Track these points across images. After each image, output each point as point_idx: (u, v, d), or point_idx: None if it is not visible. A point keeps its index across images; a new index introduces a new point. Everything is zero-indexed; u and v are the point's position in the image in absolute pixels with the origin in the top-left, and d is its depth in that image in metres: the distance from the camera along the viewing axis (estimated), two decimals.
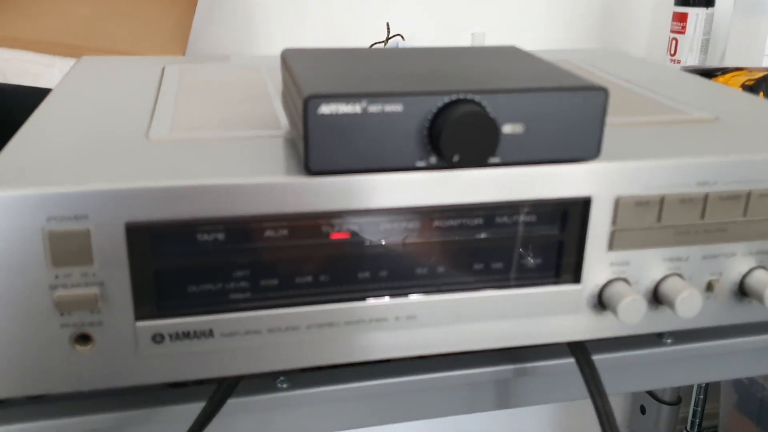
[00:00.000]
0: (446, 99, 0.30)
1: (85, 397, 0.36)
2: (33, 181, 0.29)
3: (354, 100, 0.30)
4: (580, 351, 0.38)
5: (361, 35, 0.94)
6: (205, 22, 0.93)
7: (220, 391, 0.35)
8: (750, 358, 0.46)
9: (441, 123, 0.30)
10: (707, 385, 1.25)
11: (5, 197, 0.28)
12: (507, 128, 0.32)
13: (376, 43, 0.89)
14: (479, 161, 0.31)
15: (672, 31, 0.96)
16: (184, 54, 0.81)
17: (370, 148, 0.31)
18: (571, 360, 0.41)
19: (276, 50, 0.96)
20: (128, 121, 0.38)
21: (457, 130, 0.30)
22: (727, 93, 0.48)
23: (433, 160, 0.31)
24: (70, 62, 0.77)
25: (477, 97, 0.31)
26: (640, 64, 0.57)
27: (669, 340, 0.43)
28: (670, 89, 0.49)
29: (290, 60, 0.36)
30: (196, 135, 0.36)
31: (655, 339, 0.43)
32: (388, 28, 0.88)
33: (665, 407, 1.22)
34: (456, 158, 0.30)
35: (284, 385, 0.39)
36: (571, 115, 0.32)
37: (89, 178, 0.30)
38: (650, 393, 1.22)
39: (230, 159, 0.33)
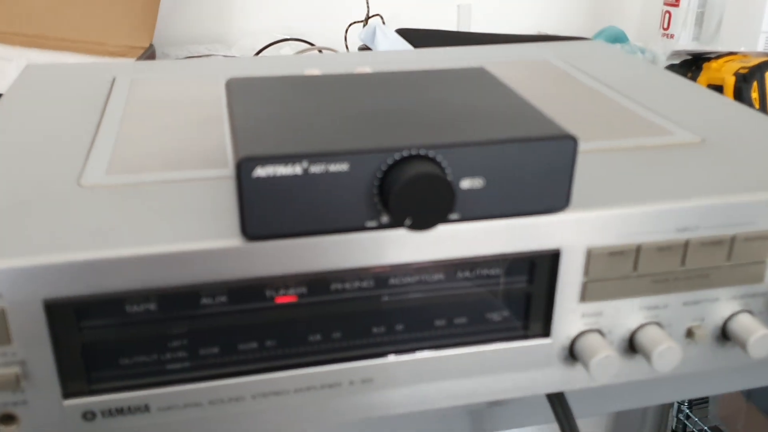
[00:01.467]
0: (396, 156, 0.27)
1: None
2: None
3: (294, 161, 0.27)
4: (557, 399, 0.36)
5: (341, 14, 0.90)
6: (177, 1, 0.89)
7: None
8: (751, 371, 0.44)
9: (391, 183, 0.27)
10: None
11: None
12: (465, 183, 0.29)
13: (354, 23, 0.84)
14: (433, 225, 0.28)
15: (665, 4, 0.92)
16: (151, 40, 0.77)
17: (314, 210, 0.28)
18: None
19: (252, 29, 0.92)
20: (62, 160, 0.35)
21: (409, 192, 0.27)
22: (716, 103, 0.45)
23: (384, 220, 0.29)
24: (29, 53, 0.73)
25: (431, 152, 0.28)
26: (624, 62, 0.53)
27: None
28: (653, 97, 0.45)
29: (233, 96, 0.32)
30: (133, 179, 0.33)
31: None
32: (368, 7, 0.84)
33: None
34: (408, 222, 0.28)
35: None
36: (537, 166, 0.29)
37: (2, 250, 0.27)
38: None
39: (167, 214, 0.30)
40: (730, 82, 0.64)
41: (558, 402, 0.36)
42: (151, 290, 0.28)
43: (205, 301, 0.29)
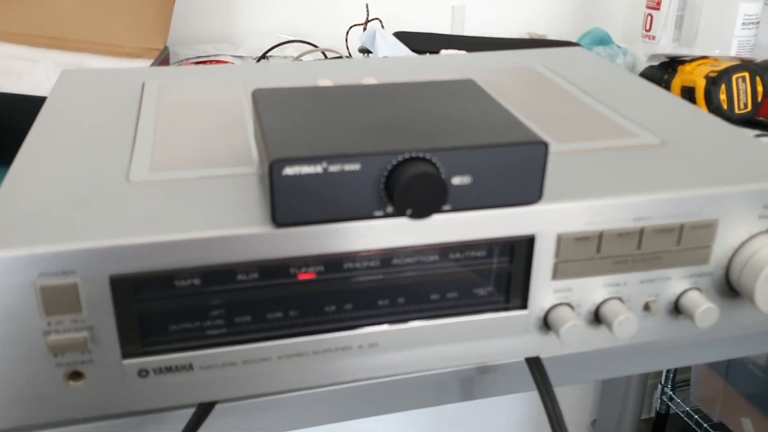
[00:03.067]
0: (399, 158, 0.33)
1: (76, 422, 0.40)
2: (24, 241, 0.32)
3: (315, 161, 0.33)
4: (535, 364, 0.42)
5: (342, 16, 0.95)
6: (188, 3, 0.94)
7: (197, 413, 0.39)
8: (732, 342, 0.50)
9: (395, 180, 0.33)
10: None
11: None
12: (456, 180, 0.35)
13: (354, 26, 0.90)
14: (430, 213, 0.34)
15: (647, 7, 0.97)
16: (165, 42, 0.82)
17: (331, 202, 0.34)
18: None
19: (258, 29, 0.97)
20: (109, 160, 0.41)
21: (410, 188, 0.33)
22: (678, 108, 0.51)
23: (389, 210, 0.35)
24: (53, 55, 0.79)
25: (428, 155, 0.34)
26: (602, 70, 0.59)
27: None
28: (624, 102, 0.51)
29: (260, 105, 0.38)
30: (173, 175, 0.39)
31: None
32: (368, 11, 0.90)
33: None
34: (409, 212, 0.34)
35: None
36: (515, 166, 0.35)
37: (74, 234, 0.33)
38: None
39: (205, 205, 0.36)
40: (701, 84, 0.70)
41: (536, 366, 0.42)
42: (195, 268, 0.34)
43: (240, 277, 0.35)
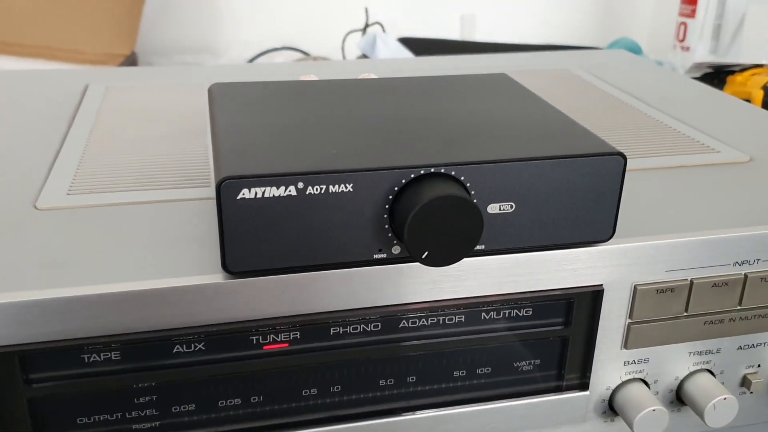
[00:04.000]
0: (412, 174, 0.23)
1: None
2: None
3: (286, 181, 0.22)
4: None
5: (338, 23, 0.85)
6: (164, 7, 0.84)
7: None
8: None
9: (405, 207, 0.22)
10: None
11: None
12: (493, 208, 0.24)
13: (352, 32, 0.80)
14: (456, 258, 0.23)
15: (680, 15, 0.87)
16: (133, 48, 0.72)
17: (310, 239, 0.23)
18: None
19: (244, 38, 0.87)
20: (20, 178, 0.30)
21: (428, 220, 0.22)
22: (757, 117, 0.40)
23: (396, 250, 0.24)
24: (3, 61, 0.68)
25: (453, 171, 0.23)
26: (647, 71, 0.49)
27: None
28: (689, 111, 0.41)
29: (217, 104, 0.28)
30: (98, 200, 0.28)
31: None
32: (367, 15, 0.79)
33: None
34: (425, 255, 0.23)
35: None
36: (578, 189, 0.24)
37: None
38: None
39: (134, 243, 0.25)
40: (757, 95, 0.60)
41: None
42: (112, 338, 0.23)
43: (178, 349, 0.24)
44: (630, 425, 0.27)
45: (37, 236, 0.25)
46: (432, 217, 0.22)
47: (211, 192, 0.29)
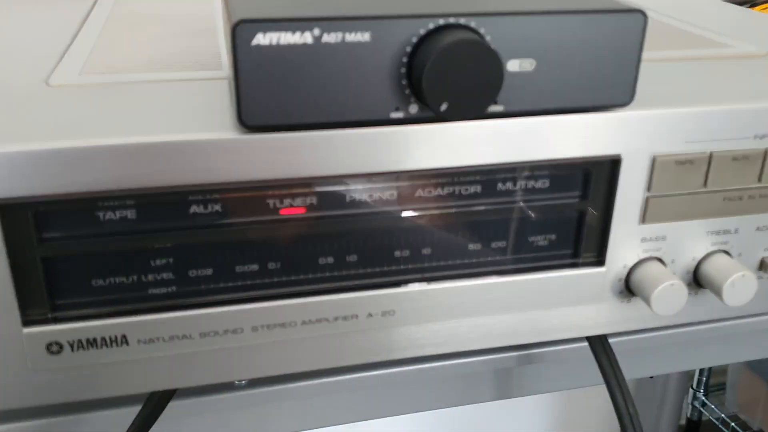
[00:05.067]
0: (431, 24, 0.22)
1: None
2: None
3: (302, 26, 0.22)
4: (602, 347, 0.30)
5: None
6: None
7: (149, 405, 0.28)
8: None
9: (424, 58, 0.22)
10: None
11: None
12: (513, 65, 0.23)
13: None
14: (476, 111, 0.23)
15: None
16: None
17: (325, 94, 0.23)
18: (583, 344, 0.34)
19: None
20: (33, 62, 0.30)
21: (447, 68, 0.22)
22: None
23: (413, 109, 0.23)
24: None
25: (473, 22, 0.23)
26: None
27: None
28: (708, 19, 0.40)
29: None
30: (110, 79, 0.28)
31: None
32: None
33: None
34: (444, 107, 0.22)
35: (243, 383, 0.31)
36: (598, 47, 0.24)
37: None
38: None
39: (145, 111, 0.25)
40: None
41: (602, 348, 0.31)
42: (128, 191, 0.23)
43: (194, 209, 0.24)
44: (647, 301, 0.27)
45: (49, 109, 0.25)
46: (451, 65, 0.22)
47: (222, 73, 0.29)
